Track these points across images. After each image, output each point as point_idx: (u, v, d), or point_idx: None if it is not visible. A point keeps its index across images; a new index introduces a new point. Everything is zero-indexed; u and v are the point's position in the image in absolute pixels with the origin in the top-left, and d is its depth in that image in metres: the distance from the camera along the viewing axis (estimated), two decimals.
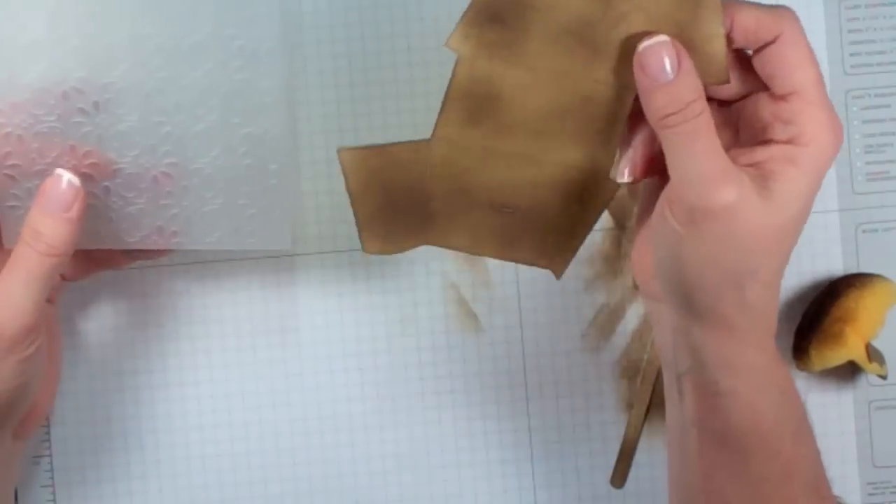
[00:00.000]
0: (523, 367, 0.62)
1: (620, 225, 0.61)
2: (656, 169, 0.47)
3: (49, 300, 0.54)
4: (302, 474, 0.61)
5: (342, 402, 0.61)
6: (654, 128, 0.44)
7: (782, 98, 0.44)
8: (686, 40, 0.44)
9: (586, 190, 0.49)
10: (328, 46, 0.60)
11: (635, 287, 0.62)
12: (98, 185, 0.49)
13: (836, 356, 0.59)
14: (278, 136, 0.49)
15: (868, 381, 0.62)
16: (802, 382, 0.62)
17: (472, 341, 0.62)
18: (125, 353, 0.61)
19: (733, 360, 0.45)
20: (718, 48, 0.44)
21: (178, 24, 0.46)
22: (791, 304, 0.62)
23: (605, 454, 0.62)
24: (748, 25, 0.44)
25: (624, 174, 0.48)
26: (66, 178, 0.48)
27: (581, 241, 0.51)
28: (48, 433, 0.60)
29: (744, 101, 0.46)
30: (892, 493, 0.62)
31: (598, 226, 0.61)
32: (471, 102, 0.47)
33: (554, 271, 0.52)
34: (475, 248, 0.52)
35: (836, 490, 0.61)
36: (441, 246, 0.52)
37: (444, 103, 0.47)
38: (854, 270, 0.62)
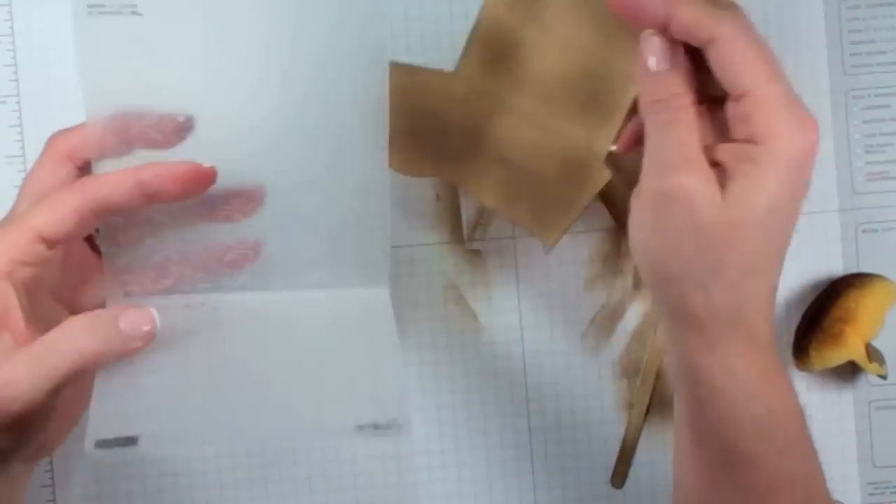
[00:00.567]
0: (523, 367, 0.62)
1: (621, 225, 0.61)
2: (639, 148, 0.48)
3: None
4: (302, 474, 0.61)
5: None
6: (641, 113, 0.45)
7: (737, 98, 0.44)
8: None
9: (580, 169, 0.51)
10: None
11: (635, 287, 0.62)
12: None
13: (836, 356, 0.59)
14: (379, 181, 0.49)
15: (868, 381, 0.62)
16: (802, 382, 0.62)
17: (472, 341, 0.62)
18: None
19: (710, 367, 0.45)
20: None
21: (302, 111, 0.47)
22: (791, 304, 0.62)
23: (605, 454, 0.62)
24: (685, 22, 0.44)
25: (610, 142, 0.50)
26: (158, 322, 0.46)
27: (571, 220, 0.53)
28: None
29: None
30: (892, 493, 0.62)
31: (598, 226, 0.61)
32: (490, 49, 0.50)
33: (545, 241, 0.53)
34: (479, 193, 0.53)
35: (837, 490, 0.61)
36: (452, 181, 0.54)
37: (467, 44, 0.51)
38: (854, 270, 0.62)
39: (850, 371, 0.62)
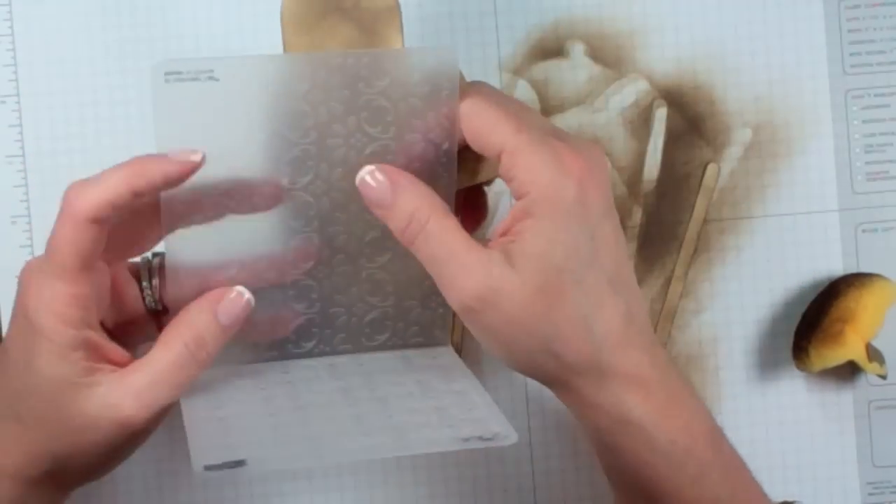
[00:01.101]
0: None
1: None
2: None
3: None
4: (302, 473, 0.61)
5: None
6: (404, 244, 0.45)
7: (498, 160, 0.44)
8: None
9: None
10: None
11: None
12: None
13: (836, 356, 0.59)
14: None
15: (868, 381, 0.62)
16: (802, 382, 0.62)
17: (472, 341, 0.62)
18: None
19: (600, 420, 0.45)
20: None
21: None
22: (791, 304, 0.62)
23: None
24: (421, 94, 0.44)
25: None
26: (246, 296, 0.47)
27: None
28: None
29: None
30: (892, 493, 0.62)
31: None
32: None
33: None
34: None
35: (837, 490, 0.61)
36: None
37: None
38: (854, 270, 0.62)
39: (849, 371, 0.62)
